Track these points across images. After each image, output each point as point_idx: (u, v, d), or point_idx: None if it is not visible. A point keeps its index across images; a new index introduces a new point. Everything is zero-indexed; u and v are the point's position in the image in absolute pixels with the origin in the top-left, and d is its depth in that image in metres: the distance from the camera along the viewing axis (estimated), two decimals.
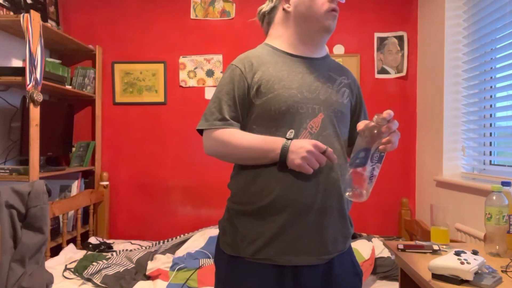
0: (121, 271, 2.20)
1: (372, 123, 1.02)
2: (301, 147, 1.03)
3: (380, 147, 1.01)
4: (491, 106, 2.30)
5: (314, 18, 1.14)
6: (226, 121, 1.12)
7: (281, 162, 1.06)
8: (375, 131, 1.01)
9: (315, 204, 1.08)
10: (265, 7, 1.24)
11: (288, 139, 1.06)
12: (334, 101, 1.15)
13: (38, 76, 2.19)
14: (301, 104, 1.10)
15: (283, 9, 1.19)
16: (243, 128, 1.15)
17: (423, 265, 1.27)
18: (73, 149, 2.91)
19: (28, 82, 2.13)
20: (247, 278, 1.09)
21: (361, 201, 1.04)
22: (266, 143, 1.07)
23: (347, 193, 1.03)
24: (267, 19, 1.25)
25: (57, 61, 2.82)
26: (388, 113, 1.00)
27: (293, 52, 1.18)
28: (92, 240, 2.79)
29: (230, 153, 1.12)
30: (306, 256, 1.08)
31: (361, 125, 1.04)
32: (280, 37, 1.20)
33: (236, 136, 1.10)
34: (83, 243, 2.74)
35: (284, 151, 1.04)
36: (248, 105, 1.13)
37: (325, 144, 1.08)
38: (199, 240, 2.56)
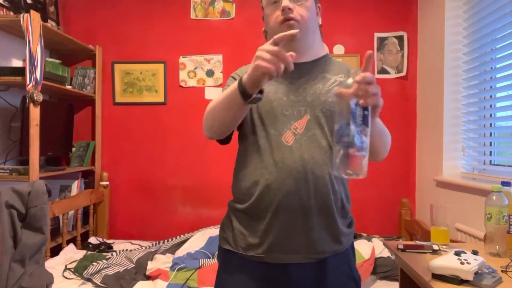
0: (121, 271, 2.20)
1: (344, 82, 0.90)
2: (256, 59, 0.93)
3: (360, 101, 0.88)
4: (491, 106, 2.30)
5: (275, 34, 1.15)
6: None
7: (242, 91, 0.97)
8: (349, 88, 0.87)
9: (299, 202, 1.08)
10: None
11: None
12: (322, 101, 1.15)
13: (38, 76, 2.19)
14: (286, 107, 1.13)
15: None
16: (242, 131, 1.20)
17: (423, 265, 1.27)
18: (73, 149, 2.91)
19: (28, 82, 2.13)
20: (238, 272, 1.14)
21: (362, 178, 0.90)
22: (229, 89, 1.02)
23: (344, 175, 0.90)
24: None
25: (57, 61, 2.82)
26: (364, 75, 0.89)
27: None
28: (92, 240, 2.79)
29: (213, 115, 1.09)
30: (293, 254, 1.10)
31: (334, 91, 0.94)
32: None
33: (213, 100, 1.11)
34: (83, 243, 2.74)
35: (241, 80, 0.97)
36: None
37: (311, 143, 1.10)
38: (199, 240, 2.56)
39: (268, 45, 0.93)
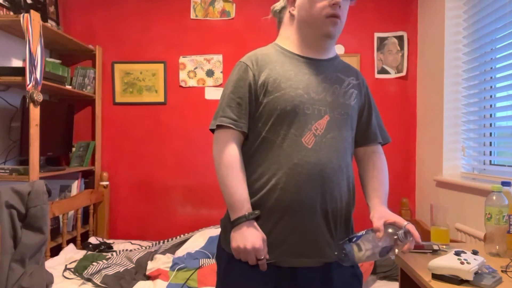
0: (121, 271, 2.20)
1: (394, 235, 1.02)
2: (247, 239, 1.04)
3: (397, 251, 1.03)
4: (491, 106, 2.30)
5: (313, 24, 1.13)
6: (233, 121, 1.12)
7: (231, 225, 1.09)
8: (393, 240, 1.02)
9: (314, 207, 1.08)
10: (277, 5, 1.24)
11: (251, 215, 1.07)
12: (341, 102, 1.14)
13: (38, 76, 2.19)
14: (307, 104, 1.10)
15: (289, 11, 1.20)
16: (249, 125, 1.14)
17: (423, 265, 1.27)
18: (73, 149, 2.90)
19: (28, 82, 2.13)
20: (245, 276, 1.10)
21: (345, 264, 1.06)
22: (236, 200, 1.07)
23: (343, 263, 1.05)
24: (278, 18, 1.26)
25: (57, 61, 2.82)
26: (418, 237, 1.01)
27: (300, 53, 1.18)
28: (92, 240, 2.78)
29: (217, 173, 1.13)
30: (302, 258, 1.08)
31: (377, 222, 1.05)
32: (287, 38, 1.20)
33: (229, 169, 1.10)
34: (83, 243, 2.74)
35: (237, 222, 1.07)
36: (255, 102, 1.13)
37: (330, 147, 1.09)
38: (199, 240, 2.56)
39: (253, 253, 1.04)
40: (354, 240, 1.03)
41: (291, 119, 1.09)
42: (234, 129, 1.11)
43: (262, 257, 1.05)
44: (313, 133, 1.09)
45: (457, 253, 1.17)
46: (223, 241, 1.18)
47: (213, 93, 3.08)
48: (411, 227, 1.01)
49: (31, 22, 2.16)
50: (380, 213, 1.07)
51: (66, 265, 2.28)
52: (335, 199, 1.10)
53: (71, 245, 2.59)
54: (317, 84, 1.14)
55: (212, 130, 1.16)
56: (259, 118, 1.12)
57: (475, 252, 1.21)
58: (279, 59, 1.16)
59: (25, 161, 2.30)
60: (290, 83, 1.11)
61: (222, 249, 1.17)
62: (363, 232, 1.04)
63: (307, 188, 1.07)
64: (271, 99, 1.10)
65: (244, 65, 1.15)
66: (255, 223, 1.07)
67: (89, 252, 2.52)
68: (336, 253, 1.05)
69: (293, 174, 1.07)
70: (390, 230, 1.02)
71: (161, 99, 3.10)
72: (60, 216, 2.56)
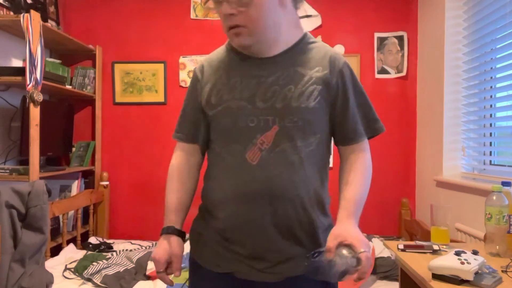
0: (121, 271, 2.20)
1: (347, 258, 0.89)
2: (155, 250, 1.11)
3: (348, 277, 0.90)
4: (491, 106, 2.30)
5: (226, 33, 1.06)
6: (181, 136, 1.19)
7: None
8: (345, 264, 0.89)
9: (263, 228, 0.99)
10: None
11: (166, 230, 1.15)
12: (294, 108, 0.98)
13: (38, 76, 2.19)
14: (251, 117, 0.99)
15: None
16: (209, 137, 1.11)
17: (423, 265, 1.27)
18: (73, 149, 2.91)
19: (28, 82, 2.13)
20: (203, 283, 1.11)
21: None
22: (165, 210, 1.21)
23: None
24: None
25: (57, 61, 2.82)
26: (364, 272, 0.88)
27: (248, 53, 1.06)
28: (92, 240, 2.78)
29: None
30: (257, 272, 1.01)
31: (329, 242, 0.92)
32: None
33: (168, 178, 1.27)
34: (83, 243, 2.74)
35: (161, 232, 1.16)
36: (203, 114, 1.10)
37: (279, 161, 0.99)
38: None
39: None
40: (315, 256, 0.93)
41: (234, 133, 1.00)
42: (177, 139, 1.20)
43: (160, 270, 1.08)
44: (258, 147, 0.98)
45: (457, 253, 1.17)
46: (190, 243, 1.20)
47: None
48: (363, 256, 0.88)
49: (31, 22, 2.16)
50: (339, 231, 0.94)
51: (66, 265, 2.28)
52: (289, 217, 0.99)
53: (71, 245, 2.59)
54: (266, 88, 1.00)
55: None
56: (211, 130, 1.09)
57: (475, 252, 1.21)
58: (228, 63, 1.08)
59: (25, 161, 2.30)
60: (233, 94, 1.01)
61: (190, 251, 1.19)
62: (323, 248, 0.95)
63: (255, 208, 0.98)
64: (214, 114, 1.04)
65: (195, 76, 1.12)
66: (174, 237, 1.11)
67: (89, 252, 2.52)
68: (304, 266, 0.96)
69: (238, 196, 1.00)
70: (344, 252, 0.90)
71: (161, 99, 3.10)
72: (60, 216, 2.56)
